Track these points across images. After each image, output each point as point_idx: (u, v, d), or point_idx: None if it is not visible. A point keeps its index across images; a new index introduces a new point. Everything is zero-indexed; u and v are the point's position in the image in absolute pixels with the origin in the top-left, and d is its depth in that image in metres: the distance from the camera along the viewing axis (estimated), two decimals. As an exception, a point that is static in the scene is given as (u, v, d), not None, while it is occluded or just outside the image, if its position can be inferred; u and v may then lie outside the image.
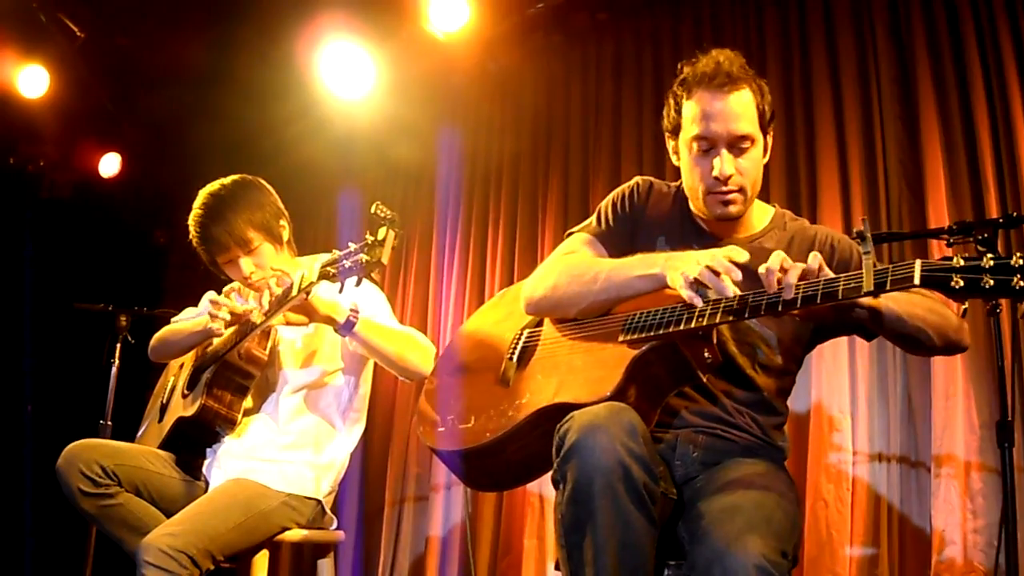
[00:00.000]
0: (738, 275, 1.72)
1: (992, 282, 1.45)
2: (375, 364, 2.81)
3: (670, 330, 1.80)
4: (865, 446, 3.27)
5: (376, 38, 4.60)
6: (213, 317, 2.56)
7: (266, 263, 2.70)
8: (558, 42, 4.68)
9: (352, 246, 2.21)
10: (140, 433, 3.00)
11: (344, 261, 2.22)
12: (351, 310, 2.53)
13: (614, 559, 1.58)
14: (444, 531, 4.43)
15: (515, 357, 2.08)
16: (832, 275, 1.67)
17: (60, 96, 5.03)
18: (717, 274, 1.71)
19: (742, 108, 1.96)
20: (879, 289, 1.56)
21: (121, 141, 5.62)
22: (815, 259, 1.68)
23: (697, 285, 1.74)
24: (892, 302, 1.78)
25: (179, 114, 5.16)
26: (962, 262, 1.48)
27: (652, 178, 2.23)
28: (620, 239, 2.14)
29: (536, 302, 2.11)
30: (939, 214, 3.25)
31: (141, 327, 3.90)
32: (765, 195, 2.30)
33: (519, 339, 2.13)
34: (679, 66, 2.06)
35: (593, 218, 2.22)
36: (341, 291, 2.33)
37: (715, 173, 1.96)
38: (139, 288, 5.49)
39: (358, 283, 2.20)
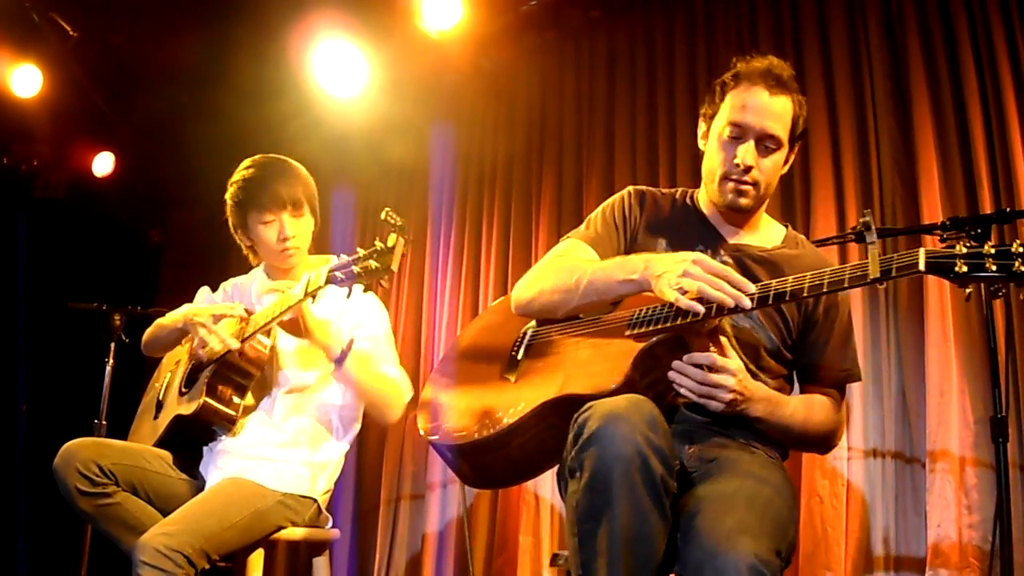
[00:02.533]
0: (720, 279, 1.78)
1: (995, 267, 1.55)
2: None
3: (677, 323, 1.83)
4: (860, 442, 3.28)
5: (370, 36, 4.59)
6: (202, 342, 2.59)
7: (302, 236, 2.73)
8: (551, 40, 4.68)
9: (361, 252, 2.19)
10: (133, 429, 2.98)
11: (353, 266, 2.20)
12: (345, 344, 2.54)
13: (627, 549, 1.58)
14: (440, 529, 4.43)
15: (519, 354, 2.11)
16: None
17: (53, 95, 5.01)
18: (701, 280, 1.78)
19: (781, 111, 2.07)
20: (885, 276, 1.63)
21: (115, 140, 5.61)
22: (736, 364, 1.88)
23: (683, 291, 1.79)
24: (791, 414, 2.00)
25: (173, 113, 5.16)
26: (965, 250, 1.58)
27: (644, 187, 2.29)
28: (613, 245, 2.18)
29: (524, 305, 2.15)
30: (932, 210, 3.25)
31: (135, 326, 3.88)
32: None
33: (523, 337, 2.15)
34: (732, 61, 2.16)
35: (584, 225, 2.26)
36: (349, 296, 2.33)
37: (737, 159, 2.06)
38: (133, 287, 5.49)
39: (366, 289, 2.20)
